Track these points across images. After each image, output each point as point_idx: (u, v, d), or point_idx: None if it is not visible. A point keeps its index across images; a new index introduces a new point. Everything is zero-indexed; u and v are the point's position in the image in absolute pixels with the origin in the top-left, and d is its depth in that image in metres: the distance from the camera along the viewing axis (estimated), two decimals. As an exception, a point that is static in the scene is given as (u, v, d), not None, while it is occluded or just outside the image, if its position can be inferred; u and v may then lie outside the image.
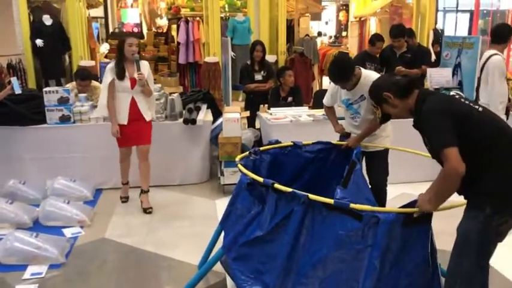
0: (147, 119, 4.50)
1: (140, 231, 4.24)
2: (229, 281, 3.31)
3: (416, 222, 2.47)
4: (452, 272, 2.44)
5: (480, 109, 2.39)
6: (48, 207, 4.29)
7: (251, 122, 6.14)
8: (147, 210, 4.60)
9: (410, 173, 4.91)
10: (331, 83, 3.86)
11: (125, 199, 4.84)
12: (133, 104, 4.39)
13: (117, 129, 4.38)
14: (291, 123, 5.09)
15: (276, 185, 2.68)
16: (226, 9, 8.92)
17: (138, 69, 4.31)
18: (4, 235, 3.82)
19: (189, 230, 4.27)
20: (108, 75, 4.33)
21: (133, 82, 4.34)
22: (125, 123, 4.40)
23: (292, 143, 3.64)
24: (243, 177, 3.00)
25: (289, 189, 2.63)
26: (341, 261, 2.51)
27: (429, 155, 2.51)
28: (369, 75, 3.56)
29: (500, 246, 2.42)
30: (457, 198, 2.46)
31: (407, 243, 2.49)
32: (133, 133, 4.45)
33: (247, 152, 3.45)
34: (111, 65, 4.39)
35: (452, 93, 2.56)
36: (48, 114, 4.95)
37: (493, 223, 2.30)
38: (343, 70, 3.52)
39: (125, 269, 3.68)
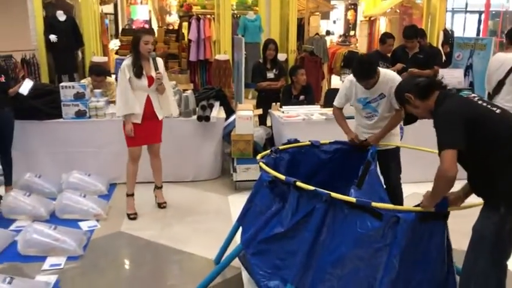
0: (160, 117, 4.41)
1: (155, 225, 4.31)
2: (245, 276, 3.37)
3: (433, 219, 2.53)
4: (467, 271, 2.49)
5: (498, 111, 2.43)
6: (64, 200, 4.36)
7: (262, 120, 6.20)
8: (161, 205, 4.66)
9: (423, 172, 4.93)
10: (345, 82, 3.89)
11: (133, 216, 4.45)
12: (148, 102, 4.30)
13: (132, 127, 4.25)
14: (304, 122, 5.14)
15: (298, 183, 2.74)
16: (235, 7, 8.95)
17: (156, 67, 4.23)
18: (23, 227, 3.91)
19: (203, 225, 4.33)
20: (126, 72, 4.19)
21: (150, 80, 4.25)
22: (139, 122, 4.28)
23: (309, 143, 3.69)
24: (264, 175, 3.07)
25: (312, 188, 2.69)
26: (360, 259, 2.56)
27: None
28: (387, 73, 3.62)
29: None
30: (476, 199, 2.51)
31: (424, 241, 2.55)
32: (146, 131, 4.34)
33: (268, 151, 3.51)
34: (127, 62, 4.24)
35: (473, 95, 2.59)
36: (64, 109, 5.02)
37: (507, 223, 2.33)
38: (369, 68, 3.53)
39: (142, 262, 3.75)
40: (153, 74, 4.25)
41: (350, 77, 3.76)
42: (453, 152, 2.27)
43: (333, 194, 2.61)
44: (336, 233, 2.62)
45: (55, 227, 3.81)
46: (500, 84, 4.88)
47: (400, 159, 3.91)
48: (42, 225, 3.85)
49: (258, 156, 3.36)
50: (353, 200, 2.56)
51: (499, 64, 4.90)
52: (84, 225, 4.22)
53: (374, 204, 2.52)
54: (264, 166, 3.09)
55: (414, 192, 4.65)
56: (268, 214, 2.90)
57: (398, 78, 3.59)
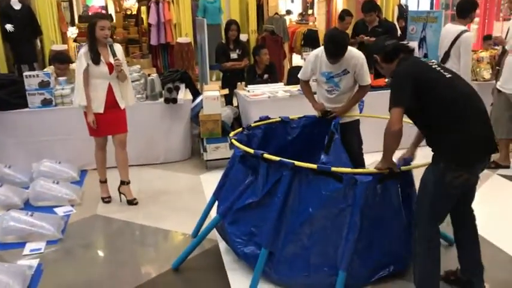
0: (122, 106, 4.27)
1: (130, 207, 4.40)
2: (221, 246, 3.55)
3: (387, 179, 2.79)
4: (416, 220, 2.75)
5: (449, 75, 2.66)
6: (38, 188, 4.40)
7: (228, 99, 6.33)
8: (133, 202, 4.43)
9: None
10: (310, 55, 4.00)
11: (108, 199, 4.49)
12: (110, 91, 4.16)
13: (93, 118, 4.11)
14: (269, 99, 5.30)
15: (265, 155, 2.93)
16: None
17: (114, 53, 4.10)
18: (-1, 216, 3.94)
19: (177, 203, 4.47)
20: (83, 61, 4.04)
21: (110, 67, 4.10)
22: (101, 111, 4.13)
23: (280, 119, 3.88)
24: (236, 150, 3.23)
25: (277, 158, 2.89)
26: (326, 218, 2.81)
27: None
28: (352, 50, 3.79)
29: (493, 218, 2.63)
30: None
31: (381, 199, 2.82)
32: (110, 121, 4.20)
33: (240, 129, 3.68)
34: (84, 49, 4.09)
35: (432, 60, 2.86)
36: (29, 98, 5.00)
37: (446, 176, 2.57)
38: (342, 46, 3.64)
39: (122, 240, 3.86)
40: (112, 60, 4.10)
41: (316, 51, 3.92)
42: (399, 110, 2.54)
43: (297, 163, 2.81)
44: (303, 197, 2.84)
45: (32, 214, 3.86)
46: (446, 55, 5.16)
47: (360, 131, 4.13)
48: (19, 212, 3.89)
49: (231, 134, 3.52)
50: (314, 166, 2.77)
51: (445, 35, 5.17)
52: (60, 211, 4.28)
53: (333, 169, 2.76)
54: (235, 142, 3.27)
55: (376, 160, 4.91)
56: (242, 186, 3.08)
57: (362, 56, 3.78)
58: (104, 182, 4.52)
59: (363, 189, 2.70)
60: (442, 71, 2.68)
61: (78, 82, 4.09)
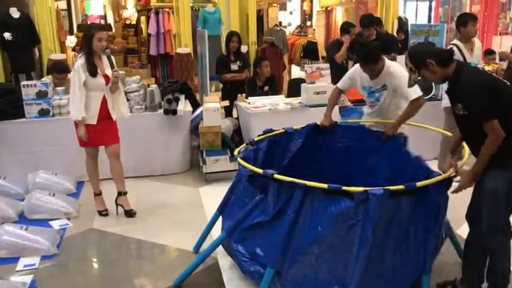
0: (114, 117, 4.21)
1: (127, 220, 4.30)
2: (221, 263, 3.46)
3: (402, 195, 2.68)
4: (492, 225, 2.77)
5: (507, 82, 2.75)
6: (33, 200, 4.30)
7: (228, 111, 6.26)
8: (131, 212, 4.33)
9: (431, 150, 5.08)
10: (353, 67, 4.00)
11: (105, 212, 4.37)
12: (103, 102, 4.10)
13: (85, 131, 4.02)
14: (270, 112, 5.23)
15: (276, 176, 2.82)
16: (193, 0, 8.91)
17: (112, 65, 4.08)
18: (-8, 229, 3.83)
19: (176, 217, 4.37)
20: (81, 73, 3.93)
21: (107, 79, 4.05)
22: (94, 123, 4.06)
23: (284, 130, 3.81)
24: (242, 169, 3.13)
25: (289, 179, 2.77)
26: (335, 236, 2.69)
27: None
28: (393, 66, 3.71)
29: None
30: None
31: (395, 214, 2.71)
32: (101, 132, 4.13)
33: (244, 145, 3.58)
34: (81, 61, 3.98)
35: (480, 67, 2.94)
36: (26, 108, 4.91)
37: None
38: (371, 53, 3.63)
39: (119, 256, 3.75)
40: (108, 72, 4.07)
41: (357, 65, 3.89)
42: (496, 121, 2.58)
43: (308, 183, 2.71)
44: (313, 216, 2.74)
45: (26, 227, 3.76)
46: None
47: None
48: (13, 225, 3.79)
49: (235, 152, 3.39)
50: (325, 186, 2.67)
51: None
52: (56, 224, 4.18)
53: (344, 188, 2.65)
54: (242, 162, 3.14)
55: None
56: (251, 204, 2.99)
57: (400, 73, 3.62)
58: (98, 194, 4.41)
59: (375, 202, 2.60)
60: (500, 78, 2.76)
61: (75, 95, 3.97)
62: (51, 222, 4.20)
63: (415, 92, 3.58)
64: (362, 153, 3.81)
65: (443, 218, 2.91)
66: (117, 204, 4.37)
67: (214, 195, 4.09)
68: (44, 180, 4.80)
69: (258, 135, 3.74)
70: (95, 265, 3.74)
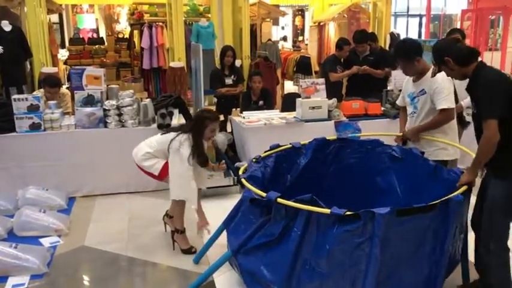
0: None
1: (120, 237, 4.21)
2: (217, 281, 3.38)
3: (408, 214, 2.64)
4: (488, 233, 2.80)
5: None
6: (23, 217, 4.18)
7: (221, 125, 6.20)
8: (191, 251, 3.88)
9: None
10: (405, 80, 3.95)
11: (194, 250, 3.89)
12: None
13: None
14: (265, 126, 5.18)
15: (279, 200, 2.76)
16: (186, 15, 8.91)
17: (217, 155, 4.12)
18: (-21, 247, 3.71)
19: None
20: (188, 164, 3.67)
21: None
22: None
23: (291, 145, 3.77)
24: (246, 192, 3.07)
25: (292, 204, 2.71)
26: (343, 253, 2.64)
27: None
28: (439, 76, 3.35)
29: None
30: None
31: (403, 233, 2.66)
32: None
33: (246, 165, 3.48)
34: (186, 151, 3.67)
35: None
36: (17, 122, 4.81)
37: None
38: (410, 48, 3.59)
39: (111, 275, 3.64)
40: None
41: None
42: (496, 122, 2.57)
43: (311, 208, 2.65)
44: (319, 235, 2.68)
45: (16, 245, 3.65)
46: None
47: None
48: (2, 243, 3.67)
49: (240, 171, 3.32)
50: (327, 211, 2.61)
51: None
52: (46, 242, 4.06)
53: (348, 213, 2.59)
54: (246, 184, 3.06)
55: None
56: (257, 223, 2.93)
57: (444, 84, 3.51)
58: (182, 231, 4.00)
59: (381, 221, 2.55)
60: None
61: (187, 174, 3.70)
62: (41, 240, 4.09)
63: (447, 102, 3.51)
64: (375, 169, 3.76)
65: (456, 236, 2.87)
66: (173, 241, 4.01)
67: (208, 210, 4.02)
68: (35, 196, 4.68)
69: (265, 151, 3.67)
70: (87, 284, 3.62)
